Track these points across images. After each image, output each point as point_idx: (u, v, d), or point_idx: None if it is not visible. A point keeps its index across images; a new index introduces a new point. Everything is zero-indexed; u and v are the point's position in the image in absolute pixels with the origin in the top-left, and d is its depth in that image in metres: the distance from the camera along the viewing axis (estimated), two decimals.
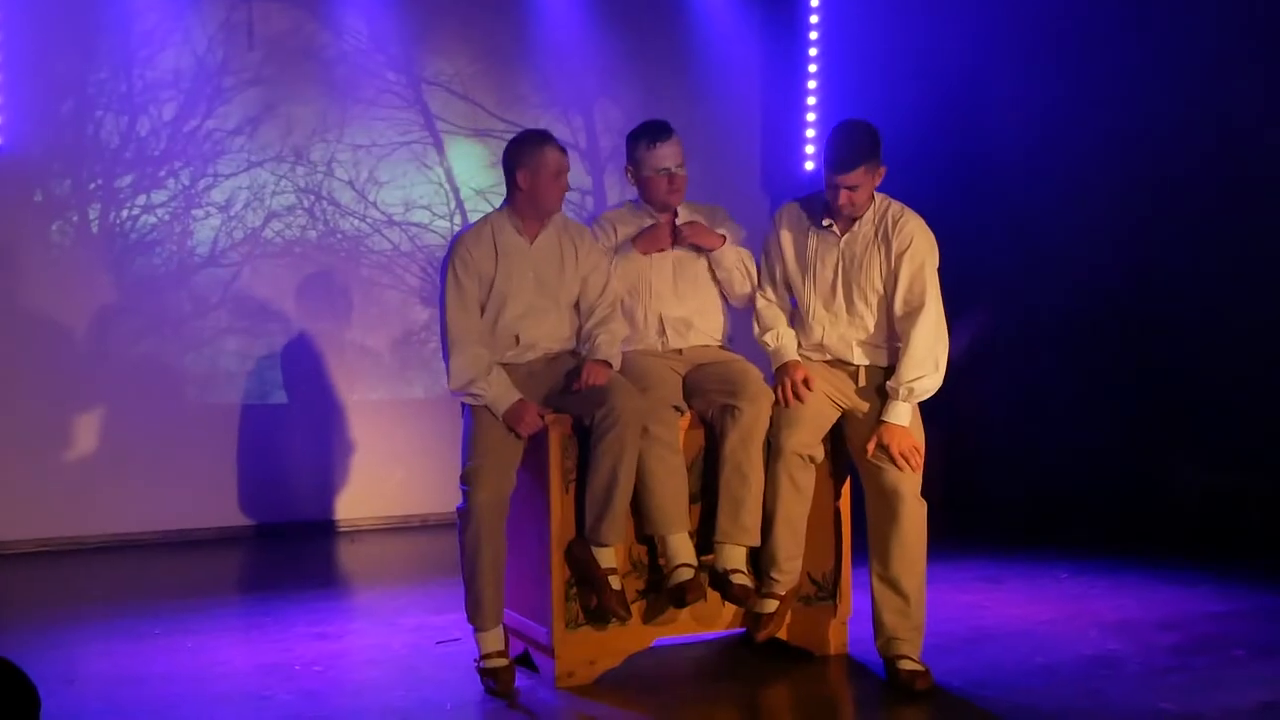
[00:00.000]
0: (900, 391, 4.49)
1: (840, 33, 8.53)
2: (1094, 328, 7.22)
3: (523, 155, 4.60)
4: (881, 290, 4.59)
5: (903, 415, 4.51)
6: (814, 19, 8.64)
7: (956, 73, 7.78)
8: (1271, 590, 5.66)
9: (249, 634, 5.37)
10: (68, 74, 7.37)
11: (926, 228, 4.59)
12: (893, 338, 4.61)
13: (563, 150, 4.65)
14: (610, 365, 4.59)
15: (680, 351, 4.82)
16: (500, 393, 4.50)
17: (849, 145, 4.50)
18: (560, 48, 8.30)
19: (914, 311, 4.52)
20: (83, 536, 7.27)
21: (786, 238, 4.74)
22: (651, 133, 4.80)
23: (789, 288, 4.78)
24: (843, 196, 4.52)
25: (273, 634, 5.33)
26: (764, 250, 4.83)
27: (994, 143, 7.68)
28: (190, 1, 7.55)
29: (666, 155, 4.77)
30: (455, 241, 4.68)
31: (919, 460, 4.53)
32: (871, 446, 4.51)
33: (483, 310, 4.63)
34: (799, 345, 4.73)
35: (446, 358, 4.60)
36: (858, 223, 4.61)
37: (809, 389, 4.58)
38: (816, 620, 4.82)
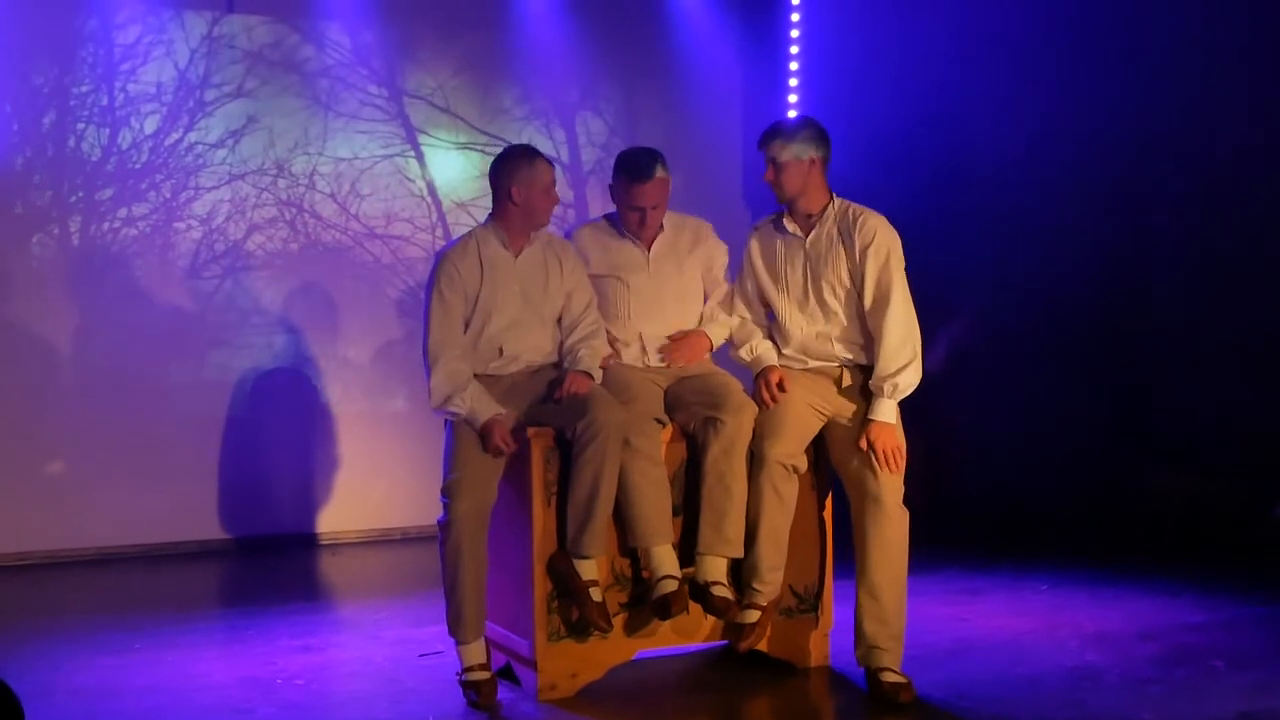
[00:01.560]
0: (885, 388, 4.53)
1: (821, 43, 8.56)
2: (1074, 337, 7.26)
3: (515, 171, 4.63)
4: (849, 284, 4.64)
5: (889, 413, 4.53)
6: (795, 33, 8.67)
7: (936, 82, 7.82)
8: (1251, 601, 5.70)
9: (231, 647, 5.36)
10: (49, 86, 7.36)
11: (888, 223, 4.67)
12: (869, 336, 4.64)
13: (550, 164, 4.69)
14: (592, 377, 4.60)
15: (666, 365, 4.83)
16: (477, 407, 4.51)
17: (776, 123, 4.74)
18: (542, 60, 8.32)
19: (882, 304, 4.58)
20: (63, 549, 7.24)
21: (756, 250, 4.81)
22: (634, 171, 4.76)
23: (764, 302, 4.82)
24: (769, 171, 4.64)
25: (255, 647, 5.32)
26: (739, 273, 4.87)
27: (972, 152, 7.72)
28: (173, 15, 7.55)
29: (643, 195, 4.76)
30: (441, 257, 4.69)
31: (901, 462, 4.54)
32: (863, 444, 4.52)
33: (467, 325, 4.64)
34: (779, 354, 4.76)
35: (428, 373, 4.60)
36: (820, 221, 4.68)
37: (783, 390, 4.62)
38: (798, 632, 4.83)
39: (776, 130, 4.68)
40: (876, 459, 4.51)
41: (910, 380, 4.56)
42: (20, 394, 7.26)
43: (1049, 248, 7.34)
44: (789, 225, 4.71)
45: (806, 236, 4.69)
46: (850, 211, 4.68)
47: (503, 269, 4.66)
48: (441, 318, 4.61)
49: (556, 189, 4.71)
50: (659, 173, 4.76)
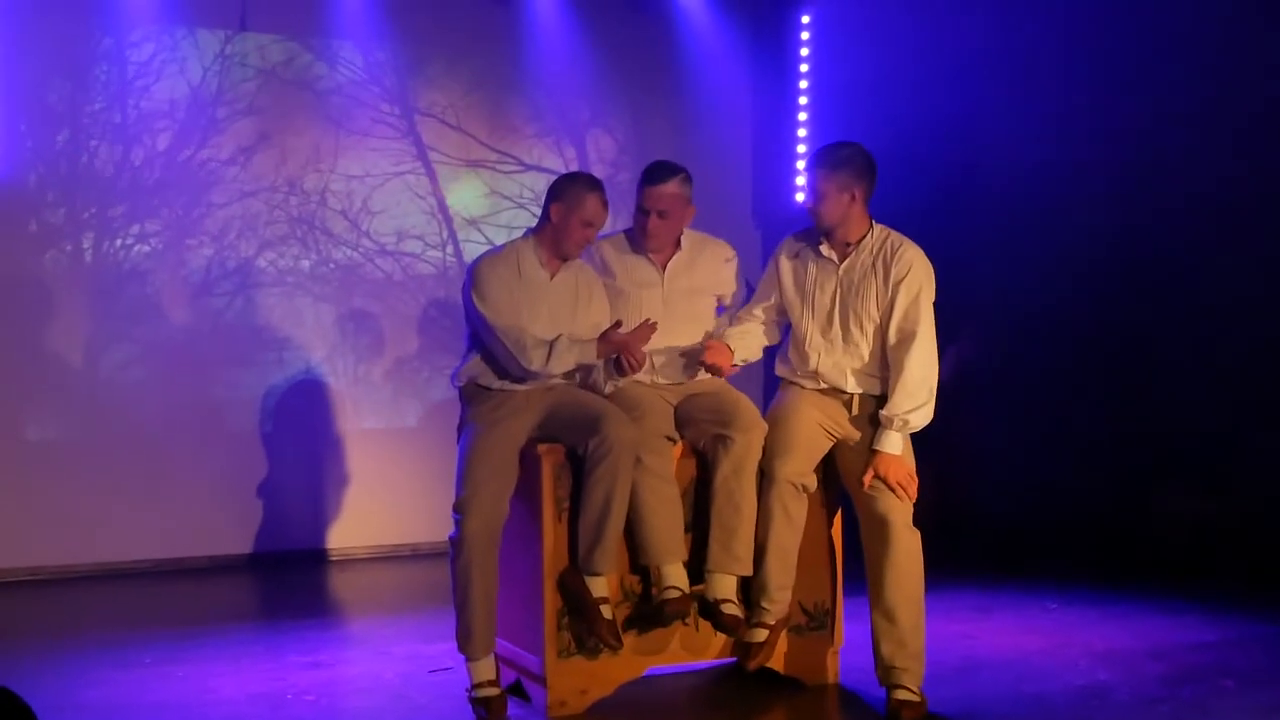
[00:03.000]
0: (895, 422, 4.52)
1: (830, 61, 8.59)
2: (1083, 355, 7.26)
3: (565, 191, 4.65)
4: (877, 319, 4.62)
5: (895, 445, 4.54)
6: (804, 51, 8.70)
7: (947, 101, 7.83)
8: (1261, 620, 5.69)
9: (241, 662, 5.37)
10: (62, 104, 7.41)
11: (925, 258, 4.64)
12: (886, 367, 4.64)
13: (605, 204, 4.67)
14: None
15: (680, 384, 4.85)
16: (583, 349, 4.60)
17: (822, 148, 4.69)
18: (553, 78, 8.36)
19: (907, 339, 4.56)
20: (74, 565, 7.26)
21: (786, 266, 4.79)
22: (650, 173, 4.81)
23: (783, 314, 4.82)
24: (807, 199, 4.64)
25: (265, 663, 5.33)
26: (762, 280, 4.87)
27: (983, 171, 7.72)
28: (186, 33, 7.60)
29: (650, 198, 4.78)
30: (480, 261, 4.72)
31: (913, 489, 4.56)
32: (868, 479, 4.54)
33: None
34: (794, 372, 4.75)
35: (509, 354, 4.58)
36: (856, 251, 4.66)
37: (720, 367, 4.69)
38: (809, 650, 4.84)
39: (820, 159, 4.63)
40: (890, 489, 4.52)
41: (921, 420, 4.56)
42: (32, 409, 7.29)
43: (1057, 264, 7.34)
44: (825, 250, 4.70)
45: (841, 263, 4.68)
46: (889, 242, 4.64)
47: (536, 287, 4.68)
48: (496, 306, 4.60)
49: (598, 229, 4.69)
50: (674, 183, 4.77)
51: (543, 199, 4.80)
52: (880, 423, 4.57)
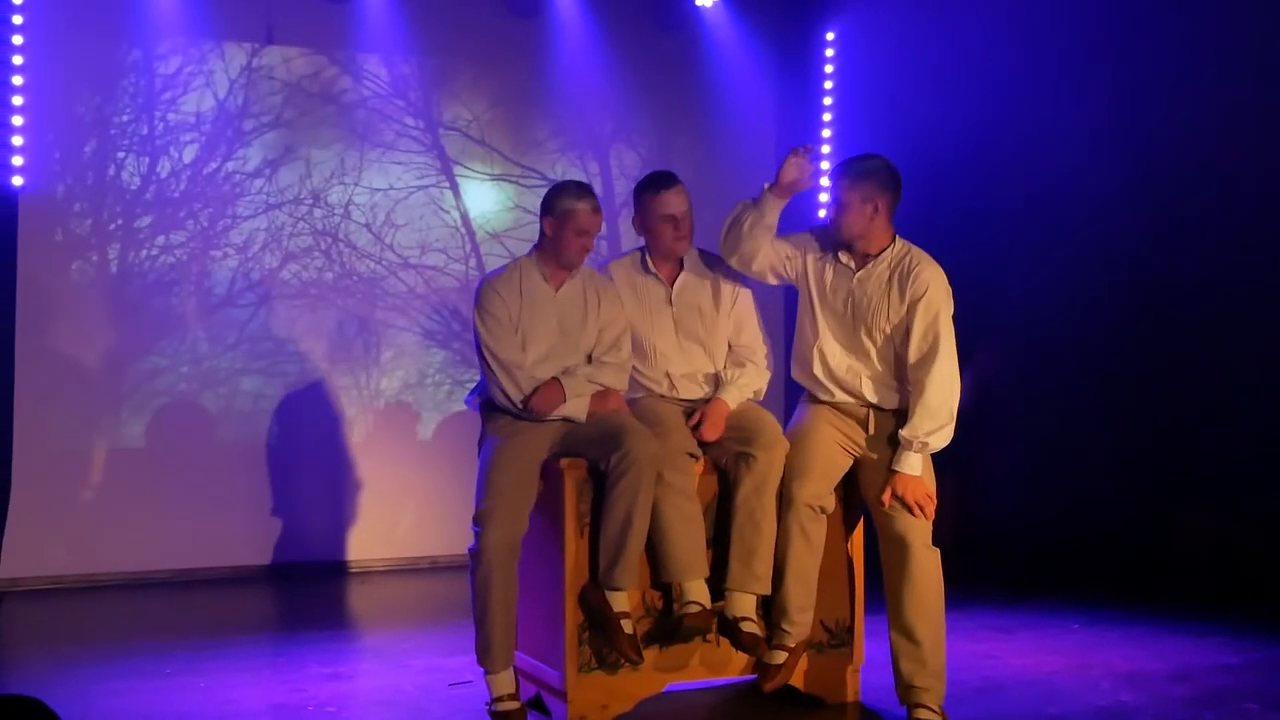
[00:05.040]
0: (914, 444, 4.50)
1: (854, 74, 8.59)
2: (1106, 371, 7.22)
3: (554, 205, 4.65)
4: (888, 332, 4.60)
5: (915, 466, 4.51)
6: (829, 69, 8.71)
7: (971, 116, 7.82)
8: None
9: (262, 674, 5.38)
10: (90, 115, 7.46)
11: (943, 276, 4.60)
12: (900, 379, 4.62)
13: (596, 209, 4.67)
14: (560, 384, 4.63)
15: (698, 401, 4.84)
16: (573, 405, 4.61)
17: (850, 160, 4.68)
18: (576, 93, 8.38)
19: (927, 360, 4.53)
20: (96, 574, 7.29)
21: (815, 248, 4.75)
22: (656, 181, 4.83)
23: (789, 263, 4.76)
24: (831, 210, 4.63)
25: (285, 674, 5.34)
26: (793, 238, 4.80)
27: (1007, 186, 7.70)
28: (213, 46, 7.65)
29: (671, 202, 4.79)
30: (484, 283, 4.73)
31: (931, 509, 4.53)
32: (887, 498, 4.52)
33: None
34: (809, 376, 4.74)
35: (497, 384, 4.61)
36: (873, 262, 4.64)
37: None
38: (829, 667, 4.82)
39: (845, 169, 4.61)
40: (908, 509, 4.50)
41: (941, 442, 4.53)
42: (56, 420, 7.33)
43: (1081, 280, 7.31)
44: (844, 257, 4.68)
45: (857, 272, 4.67)
46: (908, 258, 4.61)
47: (542, 302, 4.69)
48: (494, 332, 4.61)
49: (593, 235, 4.68)
50: (681, 186, 4.82)
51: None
52: (899, 443, 4.55)
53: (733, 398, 4.80)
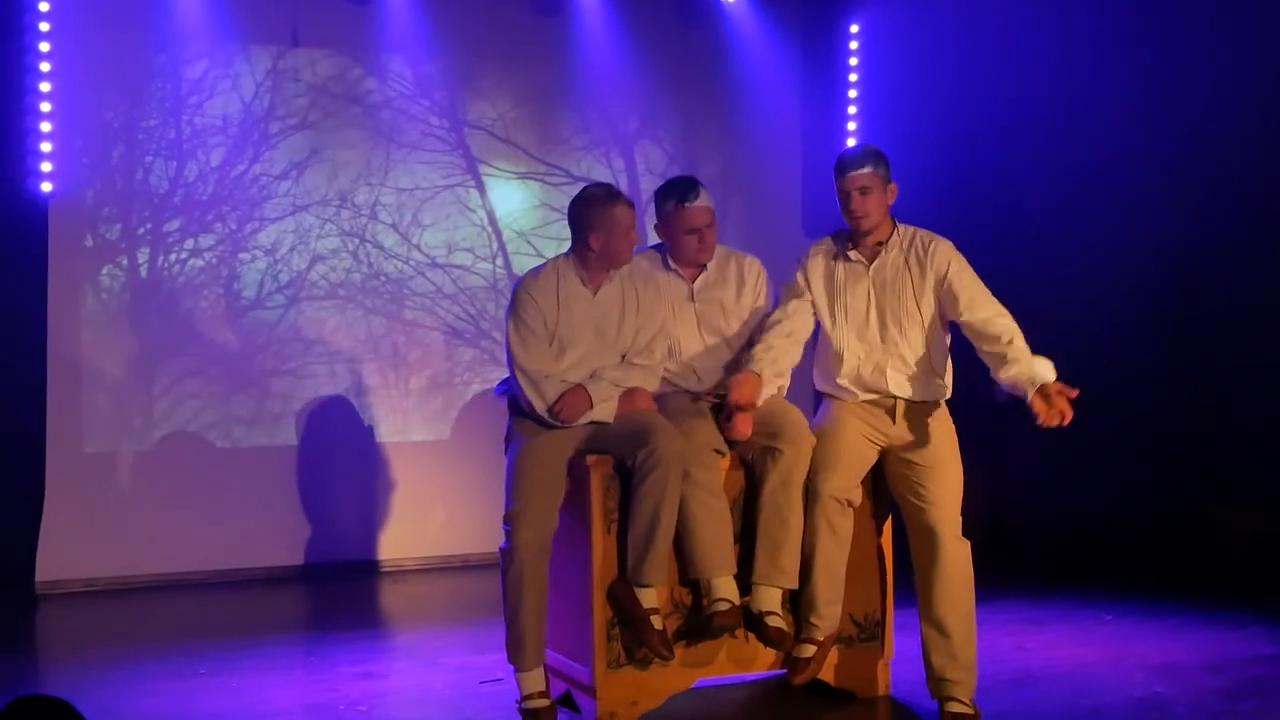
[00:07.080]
0: (1027, 353, 4.43)
1: (880, 72, 8.56)
2: (1138, 365, 7.18)
3: (594, 217, 4.61)
4: (918, 314, 4.60)
5: (1049, 368, 4.41)
6: (853, 61, 8.68)
7: (996, 109, 7.79)
8: None
9: (294, 673, 5.41)
10: (118, 120, 7.50)
11: (952, 244, 4.66)
12: (929, 369, 4.62)
13: (630, 204, 4.67)
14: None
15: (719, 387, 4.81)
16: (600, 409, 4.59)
17: (856, 149, 4.68)
18: (601, 90, 8.38)
19: (979, 306, 4.54)
20: (129, 576, 7.33)
21: (814, 265, 4.75)
22: (680, 192, 4.80)
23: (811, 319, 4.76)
24: (855, 200, 4.56)
25: (317, 673, 5.37)
26: (786, 291, 4.81)
27: (1033, 180, 7.67)
28: (239, 49, 7.68)
29: (697, 216, 4.78)
30: (520, 284, 4.73)
31: (1069, 412, 4.33)
32: (1044, 412, 4.30)
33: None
34: (833, 383, 4.72)
35: (520, 390, 4.62)
36: (885, 250, 4.64)
37: (745, 405, 4.52)
38: (860, 661, 4.81)
39: (863, 157, 4.60)
40: (1061, 411, 4.30)
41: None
42: (89, 423, 7.37)
43: (1108, 273, 7.27)
44: (852, 254, 4.68)
45: (871, 264, 4.66)
46: (918, 239, 4.64)
47: (580, 304, 4.68)
48: (525, 340, 4.61)
49: (635, 228, 4.67)
50: (705, 194, 4.81)
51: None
52: (1017, 377, 4.38)
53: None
